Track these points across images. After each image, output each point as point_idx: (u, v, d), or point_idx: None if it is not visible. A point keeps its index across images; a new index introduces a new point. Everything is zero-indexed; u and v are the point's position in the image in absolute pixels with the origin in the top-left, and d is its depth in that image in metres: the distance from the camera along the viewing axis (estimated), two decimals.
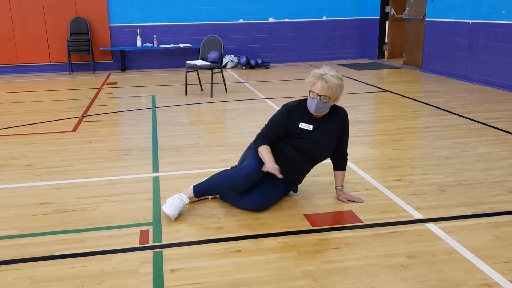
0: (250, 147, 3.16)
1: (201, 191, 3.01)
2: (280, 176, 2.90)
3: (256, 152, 3.03)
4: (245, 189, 2.97)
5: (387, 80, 8.34)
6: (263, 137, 3.05)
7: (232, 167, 3.15)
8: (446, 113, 5.56)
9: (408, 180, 3.49)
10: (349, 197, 3.15)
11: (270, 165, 2.91)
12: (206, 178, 3.15)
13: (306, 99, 2.99)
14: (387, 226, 2.78)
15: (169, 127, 5.17)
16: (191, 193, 3.00)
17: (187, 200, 2.94)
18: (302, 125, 2.98)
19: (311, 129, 2.98)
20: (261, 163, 2.97)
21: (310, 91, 2.91)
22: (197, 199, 3.12)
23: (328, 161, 3.24)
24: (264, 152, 2.98)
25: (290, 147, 3.03)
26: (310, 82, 2.92)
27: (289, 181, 3.13)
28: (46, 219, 2.94)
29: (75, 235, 2.74)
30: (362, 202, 3.11)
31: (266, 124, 3.10)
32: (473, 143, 4.35)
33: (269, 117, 3.13)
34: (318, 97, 2.87)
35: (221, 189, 3.01)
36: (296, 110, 3.01)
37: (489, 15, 7.24)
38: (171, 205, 2.88)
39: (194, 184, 3.07)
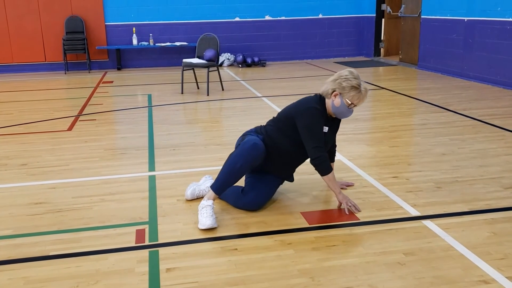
0: (245, 135, 3.08)
1: (220, 186, 2.86)
2: (359, 210, 2.91)
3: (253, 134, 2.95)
4: (259, 161, 2.87)
5: (383, 77, 8.34)
6: (324, 152, 2.84)
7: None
8: (442, 110, 5.57)
9: (405, 177, 3.49)
10: (342, 183, 3.30)
11: (344, 198, 2.91)
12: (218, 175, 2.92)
13: (322, 100, 2.92)
14: (383, 223, 2.77)
15: (166, 126, 5.16)
16: (212, 195, 2.85)
17: (211, 203, 2.80)
18: (325, 129, 2.91)
19: (327, 130, 2.94)
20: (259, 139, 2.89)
21: (351, 103, 2.85)
22: (219, 196, 3.00)
23: None
24: (335, 181, 2.90)
25: (296, 145, 2.92)
26: (353, 95, 2.82)
27: (288, 176, 3.14)
28: (41, 219, 2.92)
29: (70, 235, 2.72)
30: (352, 184, 3.32)
31: (310, 135, 2.82)
32: (469, 140, 4.35)
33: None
34: (354, 106, 2.89)
35: (237, 172, 2.82)
36: (322, 113, 2.92)
37: (484, 12, 7.24)
38: (205, 217, 2.73)
39: (210, 185, 2.92)
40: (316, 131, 2.84)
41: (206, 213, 2.74)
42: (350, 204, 2.92)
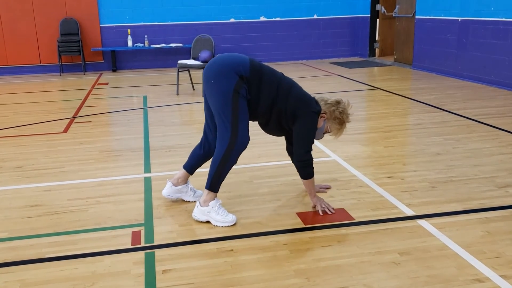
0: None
1: (218, 183, 2.82)
2: (333, 212, 2.94)
3: (239, 113, 2.70)
4: None
5: (378, 77, 8.36)
6: (312, 157, 2.87)
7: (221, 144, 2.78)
8: (436, 110, 5.59)
9: (400, 177, 3.51)
10: (320, 185, 3.29)
11: (318, 200, 2.96)
12: (209, 173, 2.82)
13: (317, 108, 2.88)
14: (378, 223, 2.79)
15: (161, 127, 5.16)
16: (213, 196, 2.83)
17: (220, 201, 2.85)
18: None
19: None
20: (246, 120, 2.74)
21: (329, 131, 2.95)
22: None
23: (319, 159, 3.25)
24: (313, 184, 2.95)
25: (268, 118, 2.83)
26: (336, 127, 2.93)
27: None
28: (37, 222, 2.92)
29: (66, 237, 2.72)
30: (329, 187, 3.30)
31: (306, 137, 2.83)
32: (463, 140, 4.37)
33: None
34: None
35: (231, 167, 2.81)
36: None
37: (478, 12, 7.28)
38: (225, 215, 2.78)
39: (206, 187, 2.84)
40: (313, 136, 2.88)
41: (223, 211, 2.80)
42: (323, 206, 2.95)
